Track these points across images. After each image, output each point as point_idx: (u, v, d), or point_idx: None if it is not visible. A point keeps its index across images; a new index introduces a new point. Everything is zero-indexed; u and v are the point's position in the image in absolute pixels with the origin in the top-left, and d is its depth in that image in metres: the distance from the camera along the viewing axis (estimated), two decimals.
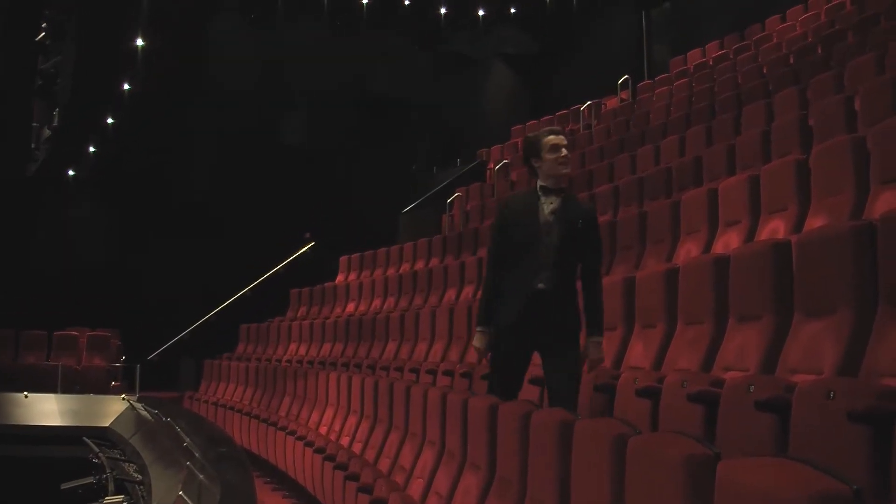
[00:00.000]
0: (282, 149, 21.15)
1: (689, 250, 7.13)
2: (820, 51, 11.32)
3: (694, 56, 17.45)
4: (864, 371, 3.78)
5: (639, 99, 17.22)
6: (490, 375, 5.56)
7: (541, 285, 5.21)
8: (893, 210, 4.03)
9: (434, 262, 13.54)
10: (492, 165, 18.88)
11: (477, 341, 5.50)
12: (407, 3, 22.41)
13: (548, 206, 5.32)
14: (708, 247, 6.93)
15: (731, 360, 4.73)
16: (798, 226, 6.07)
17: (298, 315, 15.71)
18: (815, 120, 7.50)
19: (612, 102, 18.75)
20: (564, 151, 5.37)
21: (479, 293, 5.82)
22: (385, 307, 12.94)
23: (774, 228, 6.27)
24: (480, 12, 23.68)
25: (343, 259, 16.58)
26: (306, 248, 20.03)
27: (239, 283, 19.36)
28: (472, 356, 8.42)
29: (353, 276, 15.83)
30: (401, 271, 13.99)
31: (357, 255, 16.20)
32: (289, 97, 21.59)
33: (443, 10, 23.17)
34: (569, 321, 5.31)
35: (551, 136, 5.39)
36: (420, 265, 13.78)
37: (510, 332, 5.32)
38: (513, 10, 23.90)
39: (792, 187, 6.27)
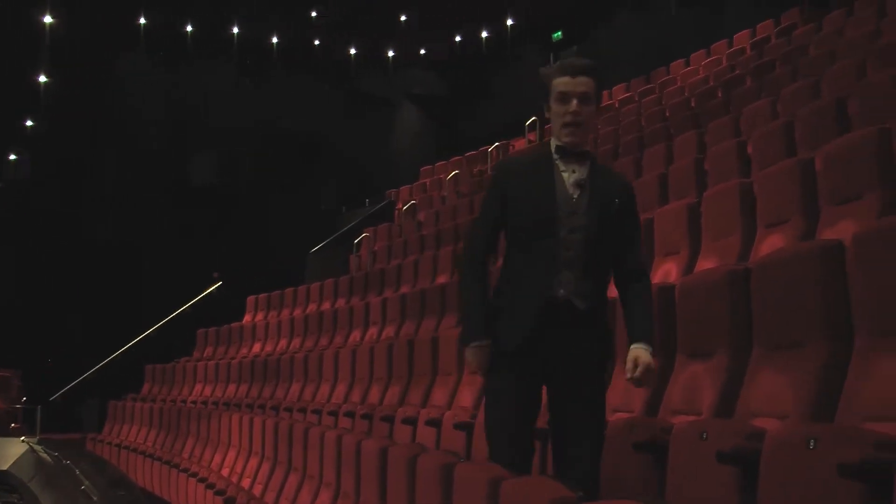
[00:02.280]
0: (191, 188, 21.04)
1: None
2: (720, 95, 11.62)
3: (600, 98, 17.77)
4: (739, 411, 3.92)
5: (545, 141, 17.47)
6: (488, 429, 3.84)
7: (561, 291, 3.67)
8: (766, 256, 4.20)
9: (340, 302, 13.59)
10: (400, 206, 19.01)
11: (473, 359, 3.85)
12: (317, 42, 22.49)
13: (569, 175, 3.77)
14: None
15: (618, 402, 4.85)
16: (689, 269, 6.21)
17: (205, 355, 15.60)
18: (710, 164, 7.70)
19: (520, 143, 19.03)
20: (574, 106, 3.72)
21: (461, 289, 4.00)
22: (291, 348, 12.93)
23: (667, 271, 6.41)
24: (390, 53, 23.88)
25: (251, 299, 16.52)
26: (214, 287, 19.92)
27: (146, 322, 19.17)
28: (374, 396, 8.49)
29: (260, 317, 15.78)
30: (307, 312, 13.99)
31: (265, 295, 16.15)
32: (198, 137, 21.50)
33: (353, 51, 23.31)
34: (596, 346, 3.78)
35: (563, 78, 3.74)
36: (327, 306, 13.80)
37: (513, 361, 3.72)
38: (423, 52, 24.16)
39: (684, 230, 6.41)
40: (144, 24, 20.20)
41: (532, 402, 3.78)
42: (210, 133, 21.49)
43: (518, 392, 3.74)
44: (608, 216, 3.77)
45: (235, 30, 21.13)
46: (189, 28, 20.83)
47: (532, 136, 18.68)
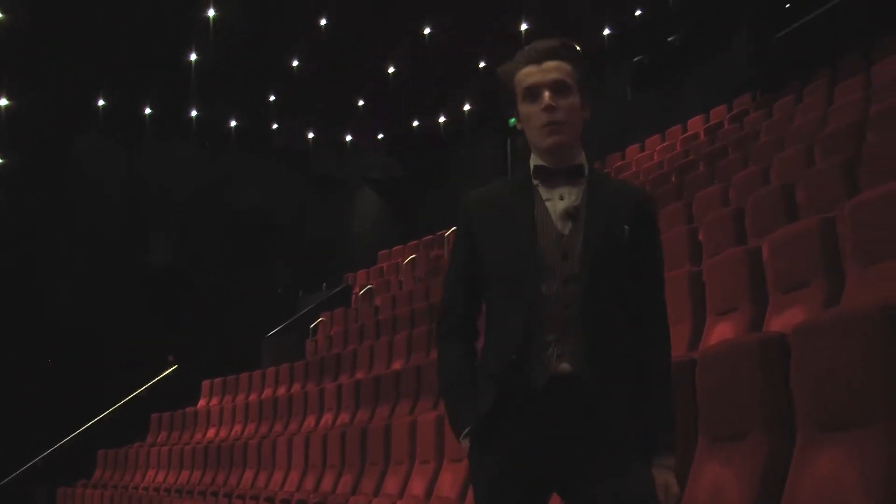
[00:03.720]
0: (147, 269, 20.93)
1: None
2: (673, 180, 11.76)
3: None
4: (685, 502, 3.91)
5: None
6: None
7: (562, 365, 2.66)
8: (709, 348, 4.23)
9: (296, 387, 13.51)
10: (357, 290, 19.00)
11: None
12: (275, 126, 22.61)
13: (556, 202, 2.78)
14: None
15: None
16: None
17: (159, 440, 15.42)
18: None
19: None
20: (547, 99, 2.74)
21: (438, 366, 3.00)
22: (245, 433, 12.83)
23: None
24: (348, 137, 24.04)
25: (206, 383, 16.40)
26: (169, 370, 19.73)
27: (99, 405, 18.90)
28: (327, 484, 8.42)
29: (215, 401, 15.65)
30: (263, 397, 13.91)
31: (220, 379, 16.05)
32: (155, 218, 21.45)
33: (310, 135, 23.44)
34: (616, 426, 2.68)
35: (529, 68, 2.79)
36: (282, 391, 13.72)
37: (498, 453, 2.72)
38: (381, 136, 24.35)
39: None
40: (103, 104, 20.21)
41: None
42: (167, 214, 21.44)
43: (509, 494, 2.70)
44: (615, 253, 2.73)
45: (194, 112, 21.20)
46: (147, 110, 20.88)
47: None
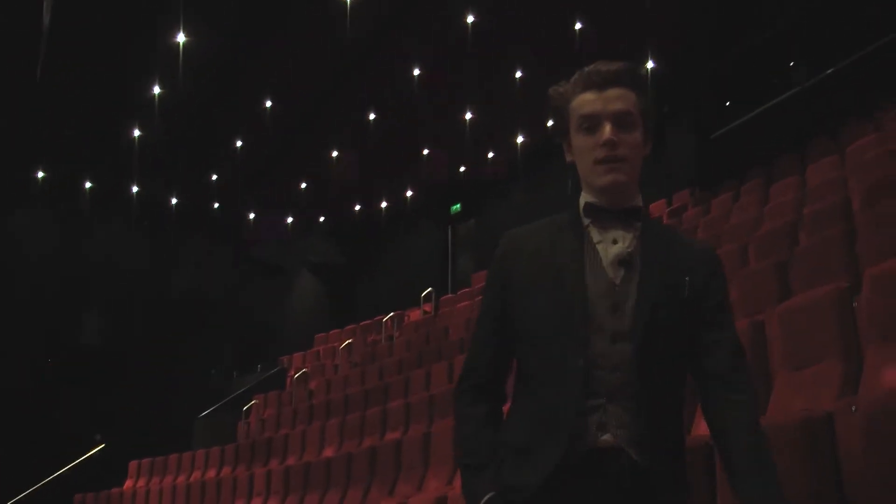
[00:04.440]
0: (78, 345, 20.64)
1: None
2: None
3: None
4: None
5: (441, 312, 17.63)
6: None
7: (604, 436, 2.31)
8: None
9: (226, 471, 13.29)
10: (292, 373, 18.87)
11: None
12: (216, 205, 22.56)
13: (608, 247, 2.44)
14: None
15: None
16: None
17: None
18: None
19: (415, 315, 19.13)
20: (608, 133, 2.38)
21: (455, 435, 2.90)
22: None
23: None
24: (289, 219, 24.04)
25: (133, 464, 16.06)
26: (96, 449, 19.35)
27: (18, 484, 18.44)
28: None
29: (142, 483, 15.33)
30: (192, 479, 13.65)
31: (148, 459, 15.73)
32: (89, 295, 21.21)
33: (251, 216, 23.42)
34: None
35: (586, 95, 2.42)
36: (212, 474, 13.50)
37: None
38: (322, 219, 24.38)
39: None
40: (42, 177, 20.07)
41: None
42: (101, 292, 21.23)
43: None
44: (673, 308, 2.37)
45: (135, 188, 21.10)
46: (88, 184, 20.75)
47: (427, 307, 18.81)
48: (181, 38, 14.54)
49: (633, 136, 2.40)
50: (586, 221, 2.46)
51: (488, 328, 2.56)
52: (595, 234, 2.43)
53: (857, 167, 9.04)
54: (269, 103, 17.38)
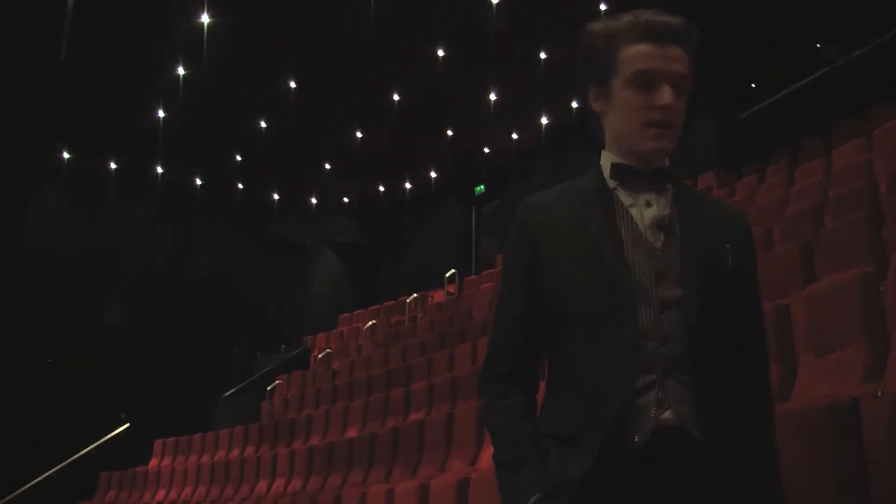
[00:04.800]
0: (102, 328, 20.71)
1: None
2: None
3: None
4: None
5: (464, 294, 17.62)
6: None
7: (665, 414, 2.09)
8: None
9: (249, 450, 13.36)
10: (316, 353, 18.91)
11: None
12: (240, 187, 22.59)
13: (642, 210, 2.24)
14: None
15: None
16: None
17: (107, 499, 15.15)
18: None
19: (438, 296, 19.13)
20: (669, 97, 2.16)
21: (487, 425, 2.38)
22: (196, 496, 12.64)
23: None
24: (313, 200, 24.05)
25: (158, 442, 16.16)
26: (121, 429, 19.46)
27: (46, 462, 18.58)
28: None
29: (167, 461, 15.42)
30: (216, 458, 13.73)
31: (173, 439, 15.83)
32: (112, 277, 21.28)
33: (275, 196, 23.45)
34: (728, 494, 2.11)
35: (646, 46, 2.17)
36: (235, 453, 13.57)
37: None
38: (346, 200, 24.39)
39: None
40: (67, 159, 20.13)
41: None
42: (124, 274, 21.29)
43: None
44: (721, 274, 2.19)
45: (159, 169, 21.14)
46: (112, 165, 20.80)
47: (451, 288, 18.80)
48: (205, 18, 14.55)
49: (684, 103, 2.21)
50: (612, 184, 2.27)
51: (515, 307, 2.31)
52: (625, 198, 2.24)
53: (884, 150, 8.96)
54: (292, 84, 17.37)
